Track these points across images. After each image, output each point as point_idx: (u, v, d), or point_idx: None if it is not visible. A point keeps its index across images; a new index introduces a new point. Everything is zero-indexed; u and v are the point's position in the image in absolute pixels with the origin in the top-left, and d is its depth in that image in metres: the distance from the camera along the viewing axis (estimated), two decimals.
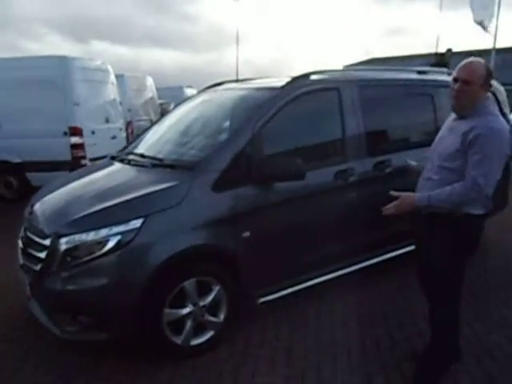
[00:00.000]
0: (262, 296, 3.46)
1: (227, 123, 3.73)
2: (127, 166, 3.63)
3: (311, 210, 3.51)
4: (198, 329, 3.19)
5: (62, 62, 8.18)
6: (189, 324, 3.12)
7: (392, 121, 4.18)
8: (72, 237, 2.89)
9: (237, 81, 4.53)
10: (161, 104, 15.55)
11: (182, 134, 3.96)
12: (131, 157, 3.79)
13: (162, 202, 2.97)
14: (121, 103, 9.72)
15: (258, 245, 3.26)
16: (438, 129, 4.10)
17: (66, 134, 8.19)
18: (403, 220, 3.99)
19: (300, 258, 3.54)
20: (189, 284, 3.04)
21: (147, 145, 3.99)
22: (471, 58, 2.56)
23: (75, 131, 8.22)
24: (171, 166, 3.34)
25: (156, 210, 2.92)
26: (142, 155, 3.79)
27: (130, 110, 11.78)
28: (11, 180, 8.42)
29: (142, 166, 3.55)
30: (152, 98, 13.88)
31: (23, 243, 3.36)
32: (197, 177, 3.10)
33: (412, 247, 4.08)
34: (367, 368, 3.01)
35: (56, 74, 8.13)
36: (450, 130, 2.70)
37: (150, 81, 13.80)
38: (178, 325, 3.10)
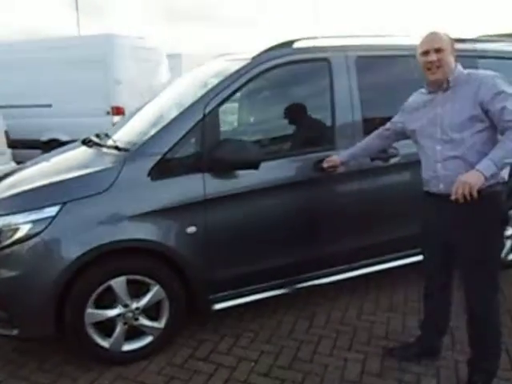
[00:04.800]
0: (218, 302, 3.00)
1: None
2: (87, 149, 3.29)
3: (278, 205, 2.99)
4: (134, 333, 2.81)
5: (107, 40, 8.15)
6: (119, 327, 2.74)
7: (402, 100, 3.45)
8: None
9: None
10: None
11: (154, 114, 3.56)
12: (97, 139, 3.44)
13: (85, 188, 2.61)
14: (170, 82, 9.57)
15: (206, 243, 2.82)
16: None
17: (108, 113, 8.18)
18: (399, 226, 3.38)
19: (262, 263, 3.03)
20: (116, 283, 2.67)
21: (122, 127, 3.63)
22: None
23: (118, 111, 8.21)
24: (118, 149, 2.95)
25: (76, 196, 2.58)
26: (106, 136, 3.44)
27: None
28: None
29: (97, 148, 3.20)
30: None
31: None
32: (130, 161, 2.71)
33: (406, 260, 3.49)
34: None
35: (100, 52, 8.13)
36: (442, 103, 2.37)
37: None
38: (108, 327, 2.74)
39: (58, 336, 2.68)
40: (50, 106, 8.66)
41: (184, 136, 2.77)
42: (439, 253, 2.53)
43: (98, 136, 3.50)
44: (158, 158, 2.71)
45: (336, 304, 3.52)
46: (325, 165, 2.97)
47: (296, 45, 3.14)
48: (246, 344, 3.01)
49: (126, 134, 3.25)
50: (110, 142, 3.13)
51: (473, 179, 2.10)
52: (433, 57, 2.27)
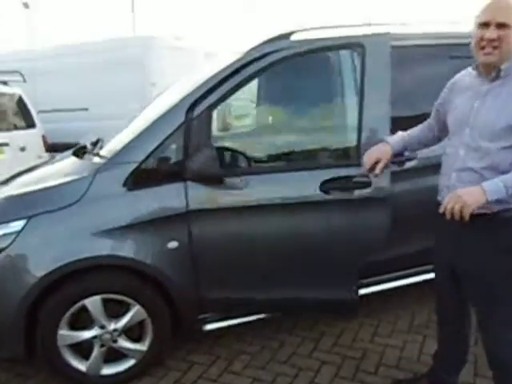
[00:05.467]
0: (209, 322, 2.74)
1: None
2: (75, 160, 3.07)
3: (274, 226, 2.61)
4: (115, 356, 2.61)
5: (142, 42, 8.11)
6: (96, 350, 2.54)
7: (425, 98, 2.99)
8: None
9: None
10: None
11: (146, 118, 3.31)
12: (90, 147, 3.25)
13: (52, 200, 2.42)
14: None
15: (191, 259, 2.57)
16: None
17: None
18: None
19: (253, 284, 2.71)
20: (91, 302, 2.46)
21: (119, 133, 3.40)
22: None
23: None
24: (100, 157, 2.75)
25: (42, 210, 2.39)
26: (101, 143, 3.25)
27: None
28: None
29: (86, 156, 3.00)
30: None
31: None
32: (103, 170, 2.49)
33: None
34: None
35: (136, 54, 8.08)
36: (484, 96, 1.86)
37: None
38: (86, 349, 2.55)
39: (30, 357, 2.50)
40: (86, 109, 8.72)
41: (163, 142, 2.52)
42: (449, 274, 2.13)
43: (96, 142, 3.32)
44: (134, 166, 2.48)
45: (349, 323, 3.18)
46: (366, 161, 2.24)
47: (294, 37, 2.78)
48: (239, 369, 2.74)
49: (116, 140, 3.02)
50: (95, 150, 2.93)
51: (470, 197, 1.70)
52: (492, 33, 1.72)
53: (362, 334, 3.05)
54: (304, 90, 2.96)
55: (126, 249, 2.45)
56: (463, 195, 1.71)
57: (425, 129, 2.31)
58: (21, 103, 7.20)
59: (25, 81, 7.27)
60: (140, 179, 2.49)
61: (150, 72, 8.11)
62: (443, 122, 2.12)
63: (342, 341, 2.99)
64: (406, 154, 2.79)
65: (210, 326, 2.76)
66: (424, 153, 2.85)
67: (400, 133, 2.32)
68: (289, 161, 2.80)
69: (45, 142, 7.42)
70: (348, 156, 2.70)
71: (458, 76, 2.08)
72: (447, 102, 2.07)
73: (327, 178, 2.51)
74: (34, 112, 7.27)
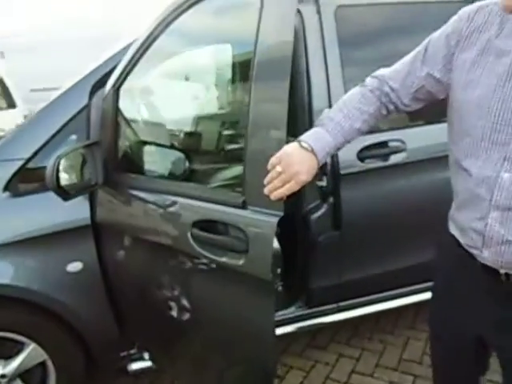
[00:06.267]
0: (135, 360, 2.15)
1: None
2: None
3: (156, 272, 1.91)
4: None
5: (113, 22, 7.57)
6: None
7: None
8: None
9: None
10: None
11: None
12: None
13: None
14: None
15: (102, 284, 1.96)
16: None
17: None
18: None
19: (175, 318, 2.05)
20: None
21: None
22: None
23: None
24: None
25: None
26: None
27: None
28: None
29: None
30: None
31: None
32: None
33: None
34: None
35: (107, 34, 7.58)
36: None
37: None
38: None
39: None
40: None
41: (58, 132, 1.89)
42: (468, 343, 1.27)
43: None
44: (19, 164, 1.87)
45: (325, 355, 2.54)
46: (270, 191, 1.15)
47: None
48: None
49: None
50: None
51: None
52: None
53: (336, 372, 2.42)
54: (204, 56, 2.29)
55: (7, 274, 1.86)
56: None
57: (370, 106, 1.20)
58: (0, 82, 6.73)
59: (3, 57, 6.81)
60: (27, 182, 1.88)
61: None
62: (436, 98, 1.18)
63: (310, 381, 2.36)
64: (391, 144, 2.13)
65: (136, 365, 2.16)
66: (417, 142, 2.20)
67: (330, 123, 1.18)
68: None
69: None
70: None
71: (478, 16, 1.05)
72: (458, 67, 1.09)
73: (196, 218, 1.57)
74: (14, 92, 6.79)
